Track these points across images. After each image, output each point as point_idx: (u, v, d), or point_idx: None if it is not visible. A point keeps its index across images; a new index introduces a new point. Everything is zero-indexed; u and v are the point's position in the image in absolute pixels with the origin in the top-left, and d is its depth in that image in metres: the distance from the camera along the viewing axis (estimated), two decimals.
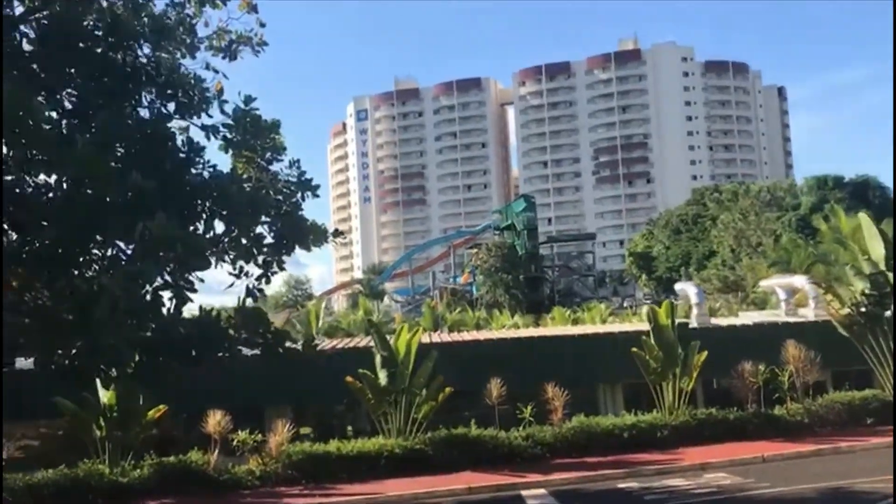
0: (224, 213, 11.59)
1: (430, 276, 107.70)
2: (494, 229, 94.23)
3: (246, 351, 9.92)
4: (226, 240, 10.98)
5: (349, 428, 24.09)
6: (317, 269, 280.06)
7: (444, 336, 29.77)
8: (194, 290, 8.78)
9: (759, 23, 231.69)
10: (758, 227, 62.82)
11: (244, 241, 11.37)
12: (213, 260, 10.97)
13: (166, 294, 8.46)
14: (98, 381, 10.90)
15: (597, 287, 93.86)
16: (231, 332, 9.54)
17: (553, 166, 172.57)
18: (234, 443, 19.92)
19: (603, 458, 19.10)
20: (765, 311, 36.04)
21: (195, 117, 11.22)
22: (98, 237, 8.39)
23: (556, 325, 43.03)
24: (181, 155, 11.21)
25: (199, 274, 9.62)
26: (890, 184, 68.29)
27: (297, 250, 11.88)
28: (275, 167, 14.13)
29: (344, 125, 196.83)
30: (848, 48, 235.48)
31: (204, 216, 10.49)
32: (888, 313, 21.68)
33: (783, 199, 67.37)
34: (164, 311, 8.40)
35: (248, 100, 11.34)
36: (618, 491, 16.22)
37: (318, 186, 13.71)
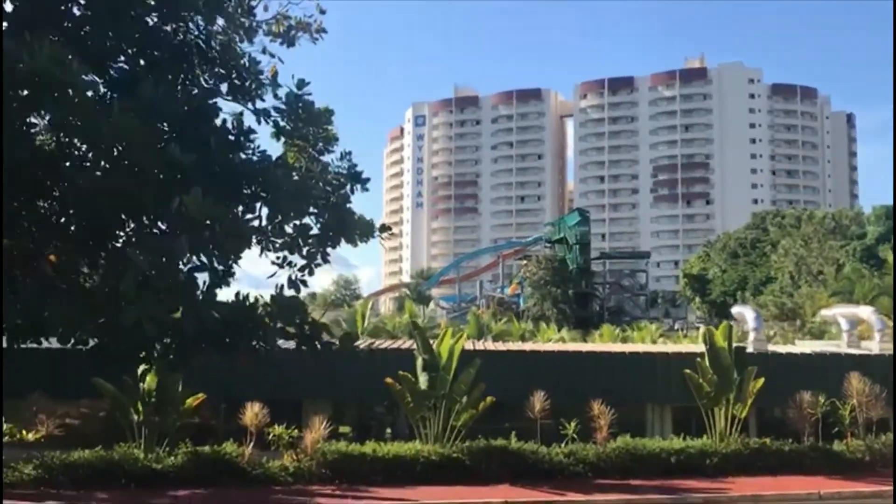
0: (269, 198, 11.27)
1: (477, 285, 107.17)
2: (546, 242, 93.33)
3: (285, 343, 9.51)
4: (270, 227, 10.65)
5: (388, 430, 23.69)
6: (366, 271, 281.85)
7: (488, 345, 29.18)
8: (231, 274, 8.45)
9: (829, 49, 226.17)
10: (820, 255, 60.74)
11: (289, 229, 11.04)
12: (258, 248, 10.66)
13: (202, 277, 8.11)
14: (137, 363, 10.63)
15: (648, 307, 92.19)
16: (267, 320, 9.12)
17: (610, 182, 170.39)
18: (270, 436, 19.69)
19: (647, 482, 18.29)
20: (823, 342, 34.58)
21: (249, 102, 10.93)
22: (133, 211, 8.10)
23: (604, 343, 42.05)
24: (230, 137, 10.94)
25: (244, 264, 9.31)
26: None
27: (348, 249, 11.54)
28: (325, 158, 13.85)
29: (402, 130, 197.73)
30: None
31: (247, 200, 10.17)
32: None
33: (848, 228, 65.04)
34: (199, 294, 8.04)
35: (301, 84, 10.99)
36: None
37: (368, 180, 13.33)
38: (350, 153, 13.58)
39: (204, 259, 8.11)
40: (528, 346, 30.20)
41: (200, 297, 7.96)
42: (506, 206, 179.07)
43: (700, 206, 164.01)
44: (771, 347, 26.71)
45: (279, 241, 10.05)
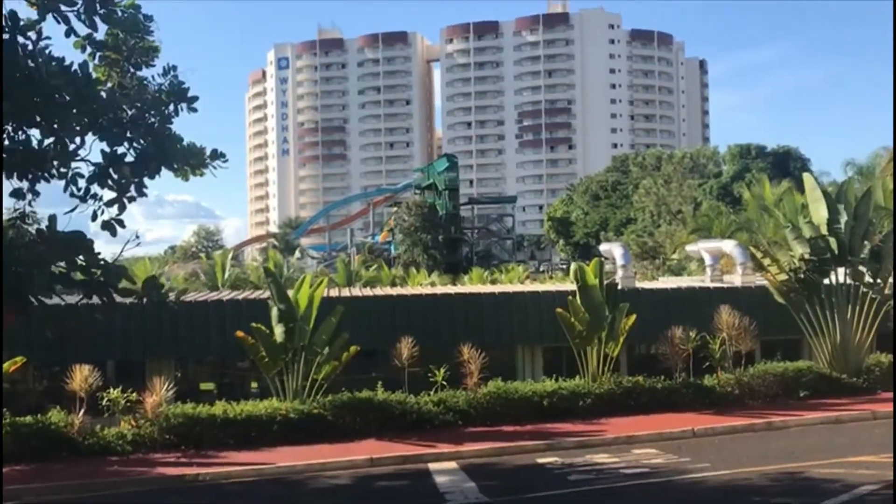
0: (60, 115, 9.05)
1: (347, 233, 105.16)
2: (415, 188, 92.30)
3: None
4: (53, 152, 8.46)
5: (254, 386, 21.82)
6: (232, 221, 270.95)
7: (355, 292, 27.57)
8: None
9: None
10: (679, 194, 62.49)
11: (84, 153, 8.89)
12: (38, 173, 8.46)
13: None
14: None
15: (515, 250, 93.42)
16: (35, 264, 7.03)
17: (477, 127, 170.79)
18: (105, 402, 17.41)
19: (520, 428, 17.42)
20: (683, 278, 35.08)
21: None
22: None
23: (473, 285, 41.32)
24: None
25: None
26: (809, 155, 69.13)
27: (213, 200, 9.43)
28: (144, 73, 11.66)
29: (263, 73, 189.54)
30: (759, 30, 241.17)
31: (21, 115, 7.98)
32: (827, 280, 20.56)
33: (705, 167, 67.25)
34: None
35: None
36: (537, 467, 14.45)
37: (195, 98, 11.30)
38: (175, 67, 11.44)
39: None
40: (395, 290, 28.76)
41: None
42: (375, 153, 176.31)
43: (563, 150, 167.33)
44: (639, 284, 26.46)
45: (66, 169, 7.92)
